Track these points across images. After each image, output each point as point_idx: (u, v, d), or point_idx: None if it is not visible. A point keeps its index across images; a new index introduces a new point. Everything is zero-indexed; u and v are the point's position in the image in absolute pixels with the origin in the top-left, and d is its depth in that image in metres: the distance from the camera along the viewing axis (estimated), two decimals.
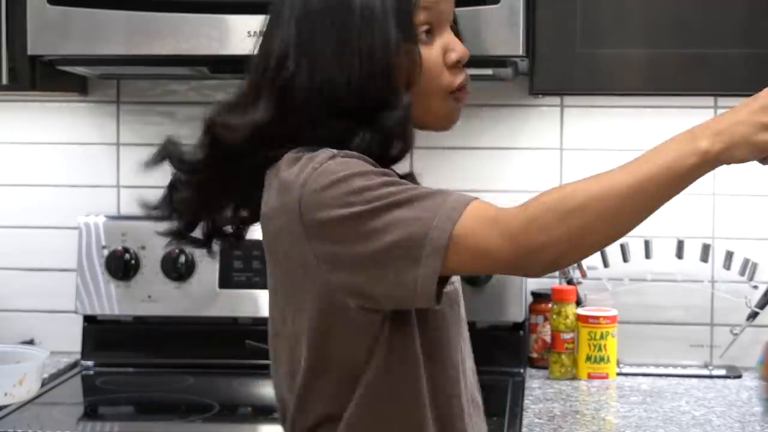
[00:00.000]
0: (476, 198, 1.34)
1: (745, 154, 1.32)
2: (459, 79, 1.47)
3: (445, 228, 1.31)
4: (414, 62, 1.42)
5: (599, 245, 1.34)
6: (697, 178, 1.33)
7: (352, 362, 1.42)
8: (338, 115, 1.40)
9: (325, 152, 1.38)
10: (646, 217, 1.32)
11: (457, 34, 1.52)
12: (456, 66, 1.47)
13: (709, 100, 2.53)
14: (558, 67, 2.22)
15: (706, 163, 1.31)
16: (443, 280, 1.36)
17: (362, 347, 1.41)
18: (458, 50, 1.47)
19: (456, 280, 1.53)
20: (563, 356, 2.47)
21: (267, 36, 1.46)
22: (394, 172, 1.42)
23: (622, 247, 2.51)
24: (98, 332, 2.59)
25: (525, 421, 2.11)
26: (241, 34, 2.08)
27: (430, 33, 1.45)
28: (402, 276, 1.33)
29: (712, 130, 1.31)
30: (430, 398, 1.46)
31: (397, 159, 1.44)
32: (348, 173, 1.35)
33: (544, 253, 1.30)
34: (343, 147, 1.39)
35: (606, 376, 2.45)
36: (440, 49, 1.46)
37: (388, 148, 1.42)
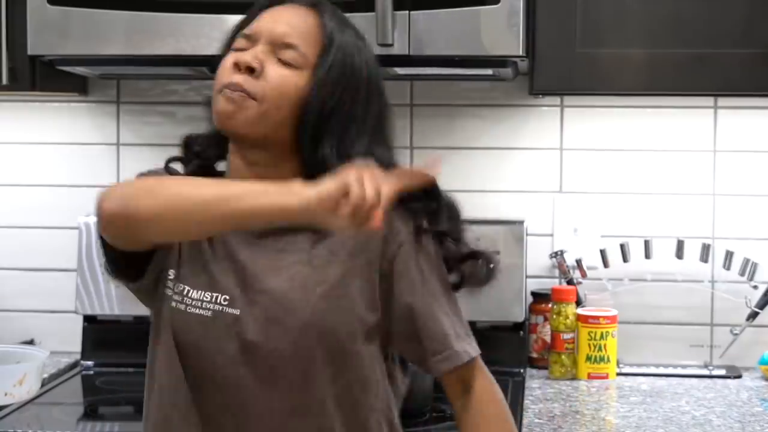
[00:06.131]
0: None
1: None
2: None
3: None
4: None
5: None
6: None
7: None
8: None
9: None
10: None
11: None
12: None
13: (709, 100, 2.53)
14: (558, 67, 2.22)
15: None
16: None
17: None
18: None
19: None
20: (563, 356, 2.47)
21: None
22: None
23: (622, 247, 2.51)
24: (98, 332, 2.59)
25: (525, 421, 2.11)
26: None
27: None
28: None
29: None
30: None
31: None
32: None
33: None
34: None
35: (606, 376, 2.45)
36: None
37: None
